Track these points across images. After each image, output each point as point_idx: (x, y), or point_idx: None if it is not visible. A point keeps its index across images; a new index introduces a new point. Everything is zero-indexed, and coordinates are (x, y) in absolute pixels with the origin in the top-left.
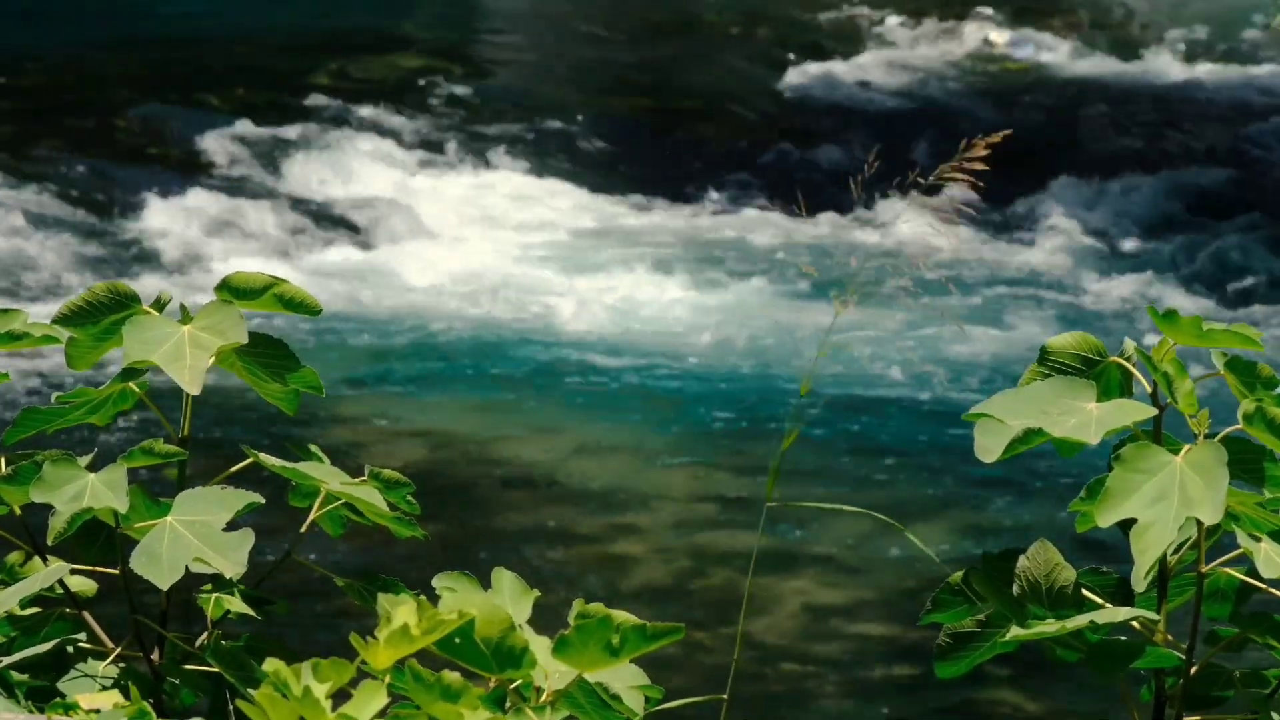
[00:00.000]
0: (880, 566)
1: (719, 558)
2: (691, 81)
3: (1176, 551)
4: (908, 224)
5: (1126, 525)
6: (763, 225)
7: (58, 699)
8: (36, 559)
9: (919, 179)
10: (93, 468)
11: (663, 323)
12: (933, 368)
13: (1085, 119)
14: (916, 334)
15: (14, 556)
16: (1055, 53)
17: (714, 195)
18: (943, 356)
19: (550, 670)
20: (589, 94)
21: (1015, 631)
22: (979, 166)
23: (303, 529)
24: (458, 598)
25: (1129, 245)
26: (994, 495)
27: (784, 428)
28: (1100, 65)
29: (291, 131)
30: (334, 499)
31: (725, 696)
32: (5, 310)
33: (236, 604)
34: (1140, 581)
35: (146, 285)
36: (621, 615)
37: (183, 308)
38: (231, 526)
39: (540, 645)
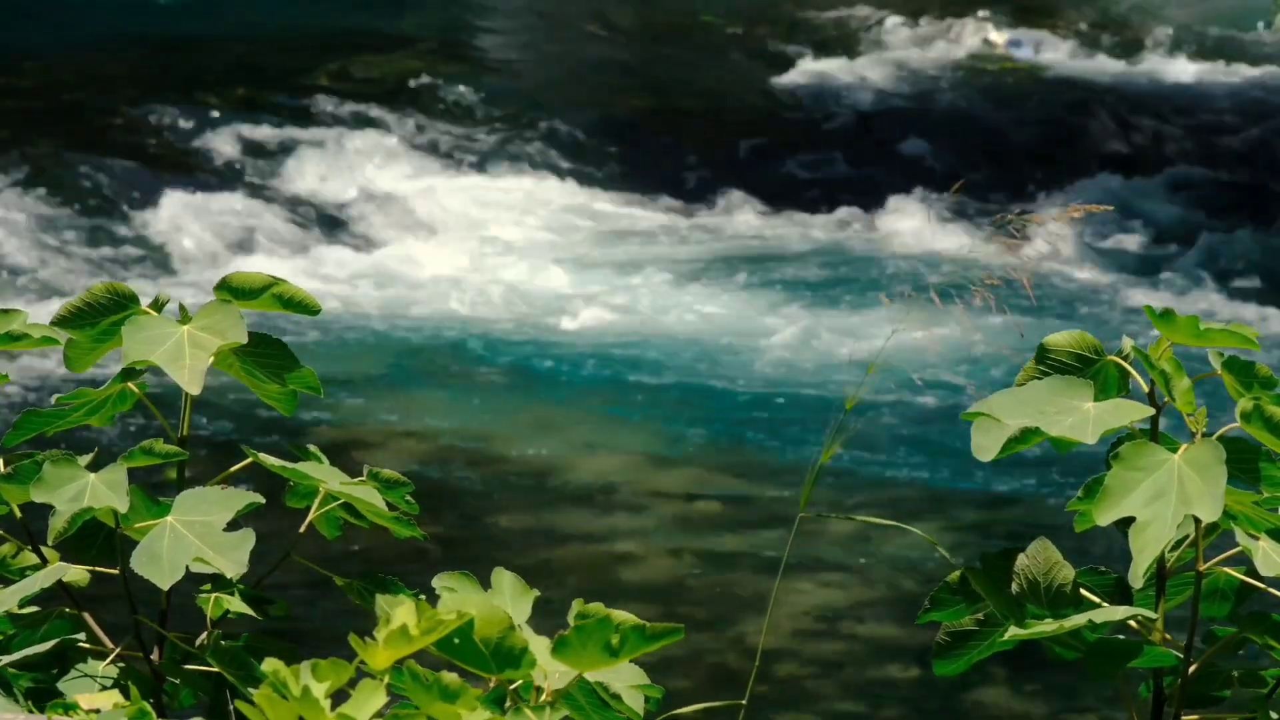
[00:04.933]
0: (880, 566)
1: (719, 558)
2: (691, 81)
3: (1175, 550)
4: (974, 254)
5: (1125, 524)
6: (762, 226)
7: (57, 699)
8: (28, 551)
9: (1021, 226)
10: (93, 468)
11: (662, 322)
12: (935, 366)
13: (1085, 119)
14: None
15: (5, 549)
16: (1055, 53)
17: (713, 195)
18: (944, 355)
19: (550, 670)
20: (589, 94)
21: (1014, 631)
22: (1071, 219)
23: (301, 529)
24: (457, 598)
25: (1129, 245)
26: (1000, 495)
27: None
28: (1100, 65)
29: (291, 131)
30: (333, 499)
31: (744, 702)
32: (4, 311)
33: (236, 604)
34: (1138, 579)
35: (146, 285)
36: (621, 615)
37: (181, 308)
38: (232, 526)
39: (540, 645)
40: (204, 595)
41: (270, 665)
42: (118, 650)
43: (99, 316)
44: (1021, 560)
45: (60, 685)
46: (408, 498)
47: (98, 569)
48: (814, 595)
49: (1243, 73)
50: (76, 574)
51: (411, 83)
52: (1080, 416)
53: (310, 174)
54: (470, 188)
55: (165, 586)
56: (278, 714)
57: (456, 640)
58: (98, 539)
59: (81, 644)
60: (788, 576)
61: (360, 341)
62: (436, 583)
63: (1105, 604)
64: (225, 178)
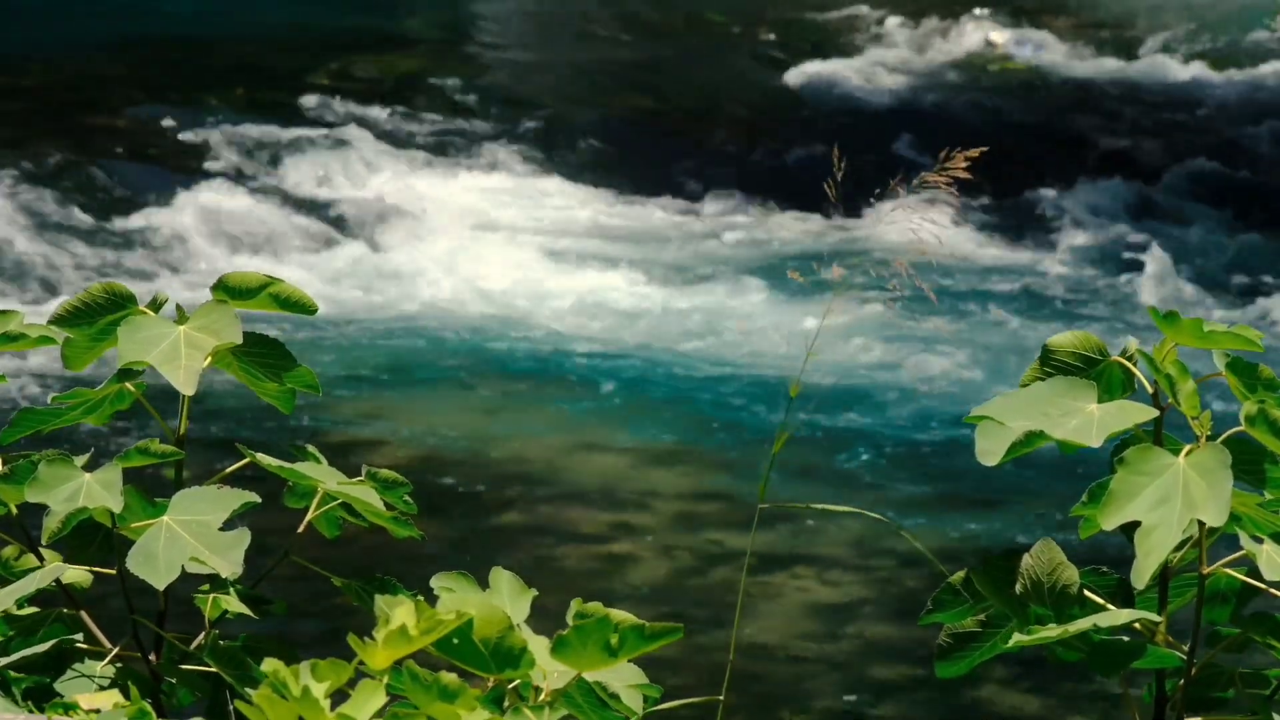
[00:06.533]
0: (879, 566)
1: (717, 557)
2: (691, 81)
3: (1178, 551)
4: (891, 225)
5: (1129, 528)
6: (762, 226)
7: (57, 699)
8: (30, 554)
9: (900, 187)
10: (89, 468)
11: (661, 323)
12: (931, 367)
13: (1085, 119)
14: (916, 333)
15: (9, 551)
16: (1055, 53)
17: (714, 195)
18: (943, 356)
19: (549, 670)
20: (589, 94)
21: (1018, 637)
22: (962, 175)
23: (300, 529)
24: (456, 598)
25: (1129, 245)
26: (991, 494)
27: (778, 429)
28: (1100, 65)
29: (291, 131)
30: (331, 499)
31: (721, 698)
32: (2, 311)
33: (233, 604)
34: (1143, 583)
35: (145, 286)
36: (620, 615)
37: (178, 308)
38: (228, 526)
39: (539, 645)
40: (201, 595)
41: (270, 665)
42: (116, 650)
43: (96, 316)
44: (1026, 560)
45: (58, 685)
46: (406, 498)
47: (95, 569)
48: (815, 594)
49: (1243, 72)
50: (75, 574)
51: (411, 83)
52: (1084, 419)
53: (309, 174)
54: (470, 188)
55: (161, 586)
56: (277, 714)
57: (455, 640)
58: (95, 539)
59: (79, 644)
60: (787, 575)
61: (359, 341)
62: (435, 583)
63: (1109, 605)
64: (225, 178)
